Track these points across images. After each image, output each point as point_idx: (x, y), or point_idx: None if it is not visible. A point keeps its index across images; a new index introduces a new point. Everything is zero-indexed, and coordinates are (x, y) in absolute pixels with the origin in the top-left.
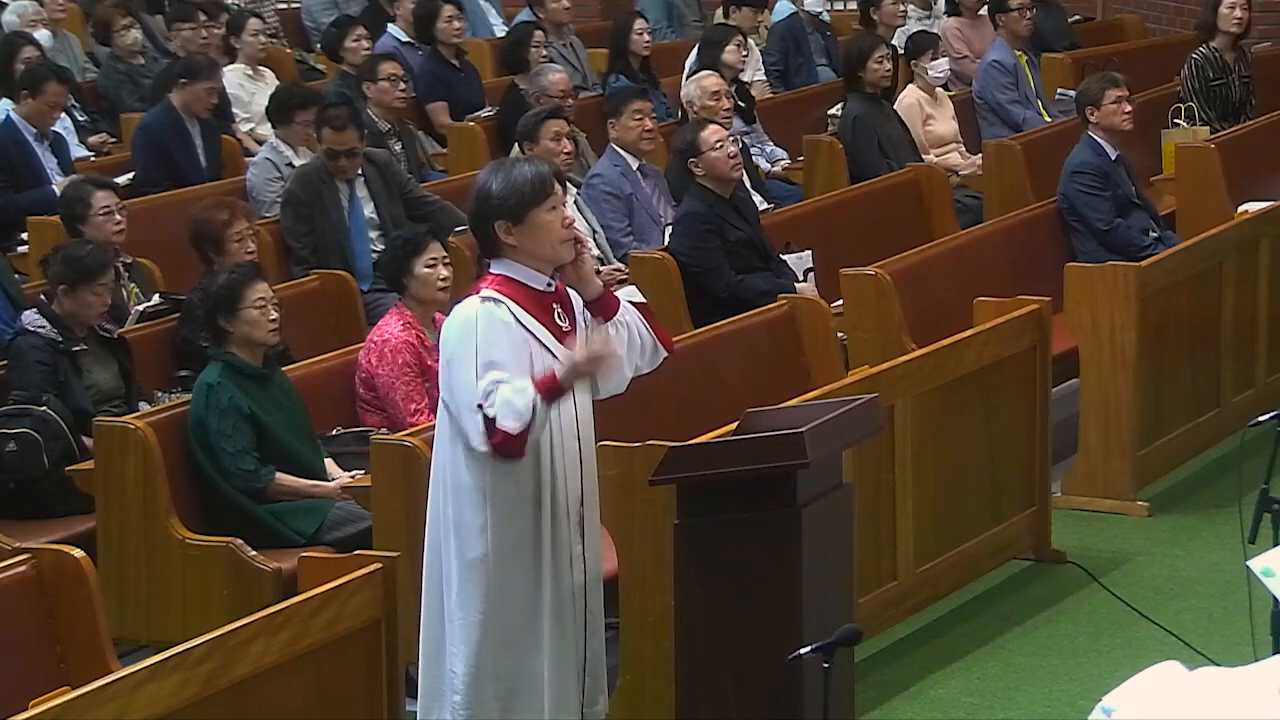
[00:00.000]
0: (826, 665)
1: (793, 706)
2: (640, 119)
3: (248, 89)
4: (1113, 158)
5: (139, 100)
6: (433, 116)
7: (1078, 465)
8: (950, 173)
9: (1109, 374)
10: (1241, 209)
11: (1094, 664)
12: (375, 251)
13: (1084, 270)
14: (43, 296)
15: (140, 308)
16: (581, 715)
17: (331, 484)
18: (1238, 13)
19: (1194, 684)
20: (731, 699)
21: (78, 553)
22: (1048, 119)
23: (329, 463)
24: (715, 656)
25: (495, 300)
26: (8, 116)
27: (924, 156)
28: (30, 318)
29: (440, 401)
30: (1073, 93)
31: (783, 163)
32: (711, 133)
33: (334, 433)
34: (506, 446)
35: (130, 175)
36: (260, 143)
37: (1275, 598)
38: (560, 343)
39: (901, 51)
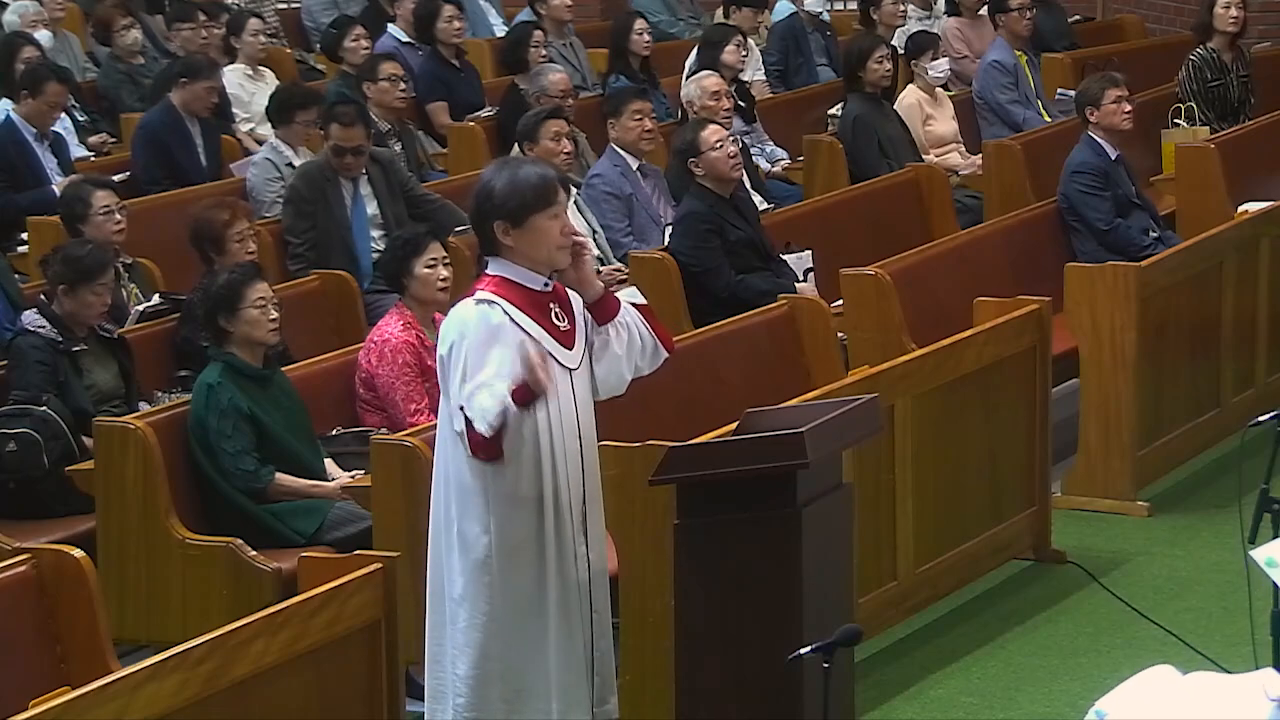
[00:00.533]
0: (826, 665)
1: (793, 706)
2: (640, 119)
3: (248, 89)
4: (1113, 158)
5: (139, 100)
6: (433, 116)
7: (1078, 465)
8: (950, 173)
9: (1109, 374)
10: (1241, 209)
11: (1094, 664)
12: (377, 251)
13: (1084, 270)
14: (43, 296)
15: (140, 308)
16: (592, 715)
17: (331, 484)
18: (1233, 12)
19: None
20: (731, 699)
21: (78, 553)
22: (1048, 119)
23: (329, 463)
24: (715, 656)
25: (490, 302)
26: (8, 116)
27: (924, 156)
28: (30, 318)
29: (442, 400)
30: (1073, 93)
31: (783, 163)
32: (711, 133)
33: (334, 433)
34: (481, 449)
35: (125, 174)
36: (260, 143)
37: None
38: (559, 342)
39: (901, 51)
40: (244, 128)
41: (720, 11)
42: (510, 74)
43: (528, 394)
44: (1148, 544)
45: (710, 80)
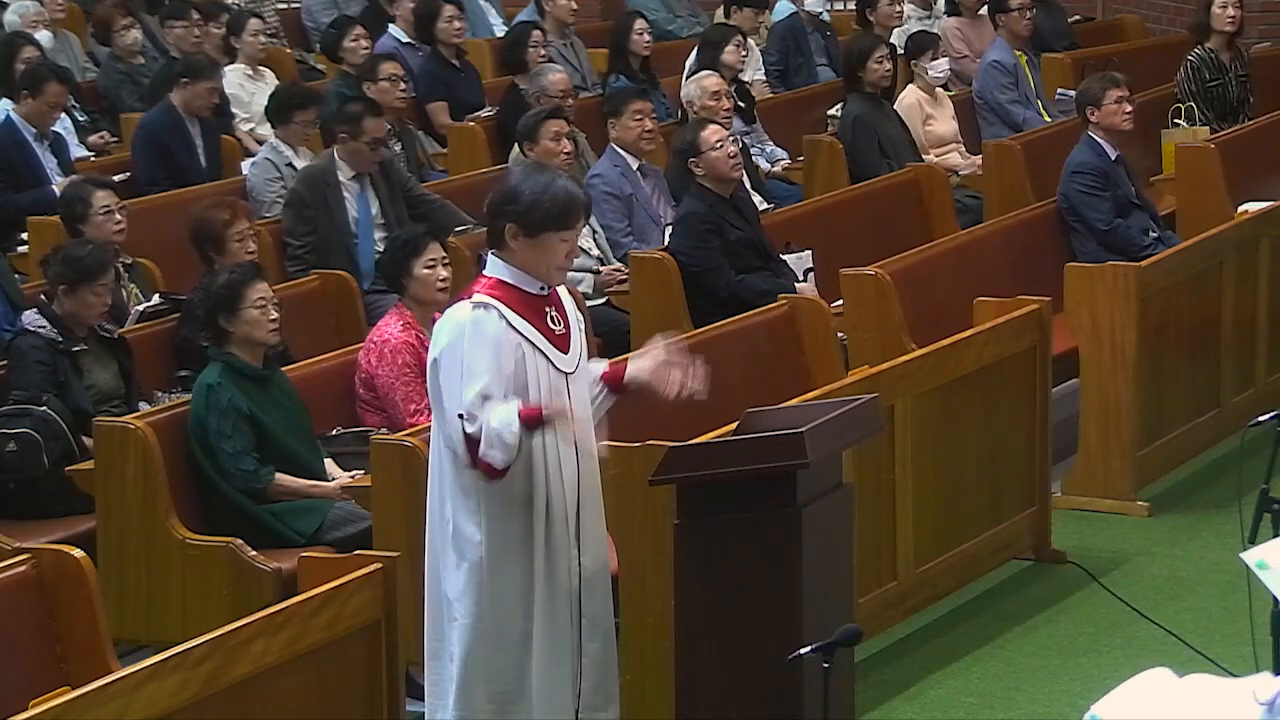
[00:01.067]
0: (826, 665)
1: (793, 706)
2: (640, 119)
3: (248, 89)
4: (1113, 158)
5: (139, 100)
6: (433, 116)
7: (1078, 465)
8: (950, 173)
9: (1109, 374)
10: (1241, 209)
11: (1094, 664)
12: (379, 251)
13: (1084, 270)
14: (43, 296)
15: (140, 308)
16: (577, 716)
17: (331, 484)
18: (1230, 12)
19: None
20: (731, 699)
21: (78, 553)
22: (1048, 119)
23: (329, 463)
24: (715, 656)
25: (486, 306)
26: (8, 116)
27: (924, 156)
28: (30, 318)
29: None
30: (1073, 93)
31: (783, 163)
32: (711, 133)
33: (334, 433)
34: (489, 474)
35: (126, 174)
36: (260, 143)
37: (1275, 597)
38: (554, 346)
39: (901, 51)
40: (244, 128)
41: (720, 11)
42: (510, 74)
43: (537, 422)
44: (1148, 544)
45: (710, 80)
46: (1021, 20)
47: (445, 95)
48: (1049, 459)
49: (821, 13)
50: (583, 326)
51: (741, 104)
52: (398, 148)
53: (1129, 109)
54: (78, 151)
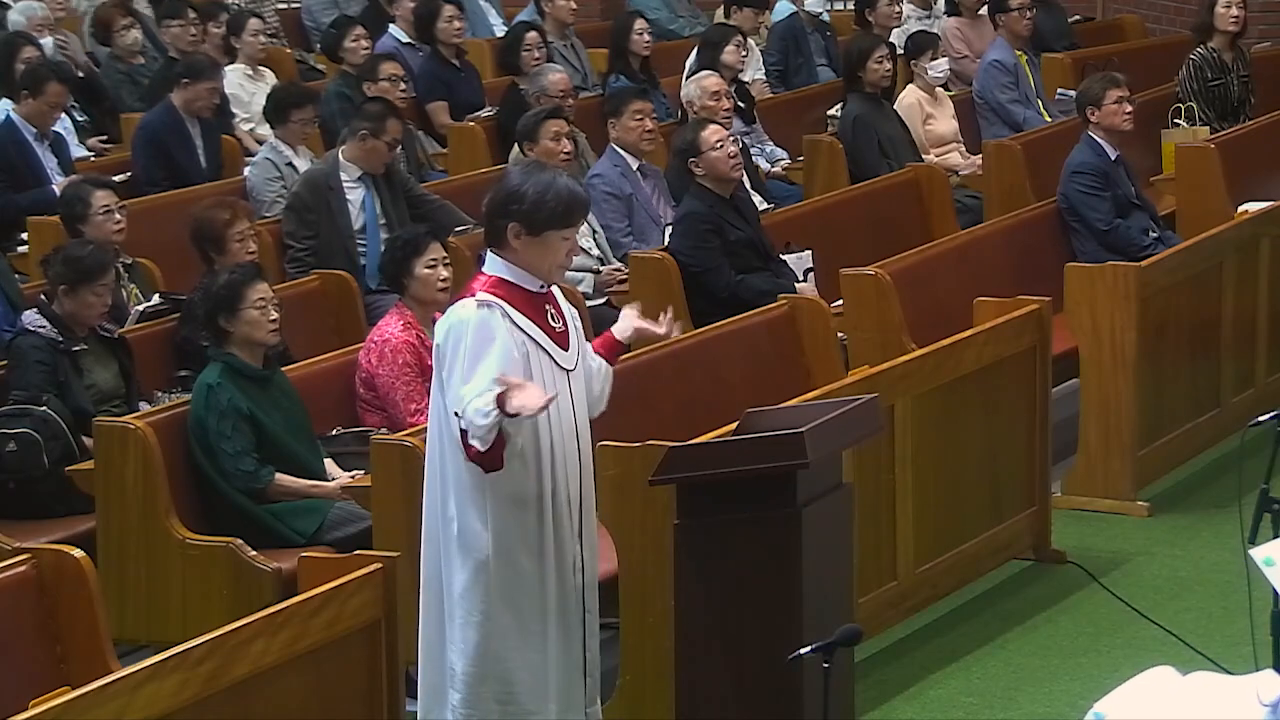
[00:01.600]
0: (826, 665)
1: (793, 706)
2: (640, 119)
3: (248, 89)
4: (1113, 158)
5: (139, 100)
6: (433, 116)
7: (1078, 465)
8: (950, 173)
9: (1109, 374)
10: (1241, 209)
11: (1094, 664)
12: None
13: (1084, 270)
14: (43, 296)
15: (140, 308)
16: (585, 715)
17: (331, 484)
18: (1234, 12)
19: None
20: (731, 699)
21: (78, 553)
22: (1048, 119)
23: (329, 463)
24: (715, 656)
25: (490, 304)
26: (8, 116)
27: (924, 156)
28: (30, 318)
29: (437, 401)
30: (1073, 93)
31: (783, 163)
32: (711, 133)
33: (334, 433)
34: (480, 461)
35: (127, 174)
36: (260, 143)
37: (1276, 596)
38: (555, 343)
39: (901, 51)
40: (244, 127)
41: (720, 11)
42: (510, 74)
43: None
44: (1148, 544)
45: (710, 80)
46: (1021, 20)
47: (445, 95)
48: (1049, 459)
49: (821, 13)
50: (578, 324)
51: (741, 104)
52: (398, 148)
53: (1129, 109)
54: (78, 151)
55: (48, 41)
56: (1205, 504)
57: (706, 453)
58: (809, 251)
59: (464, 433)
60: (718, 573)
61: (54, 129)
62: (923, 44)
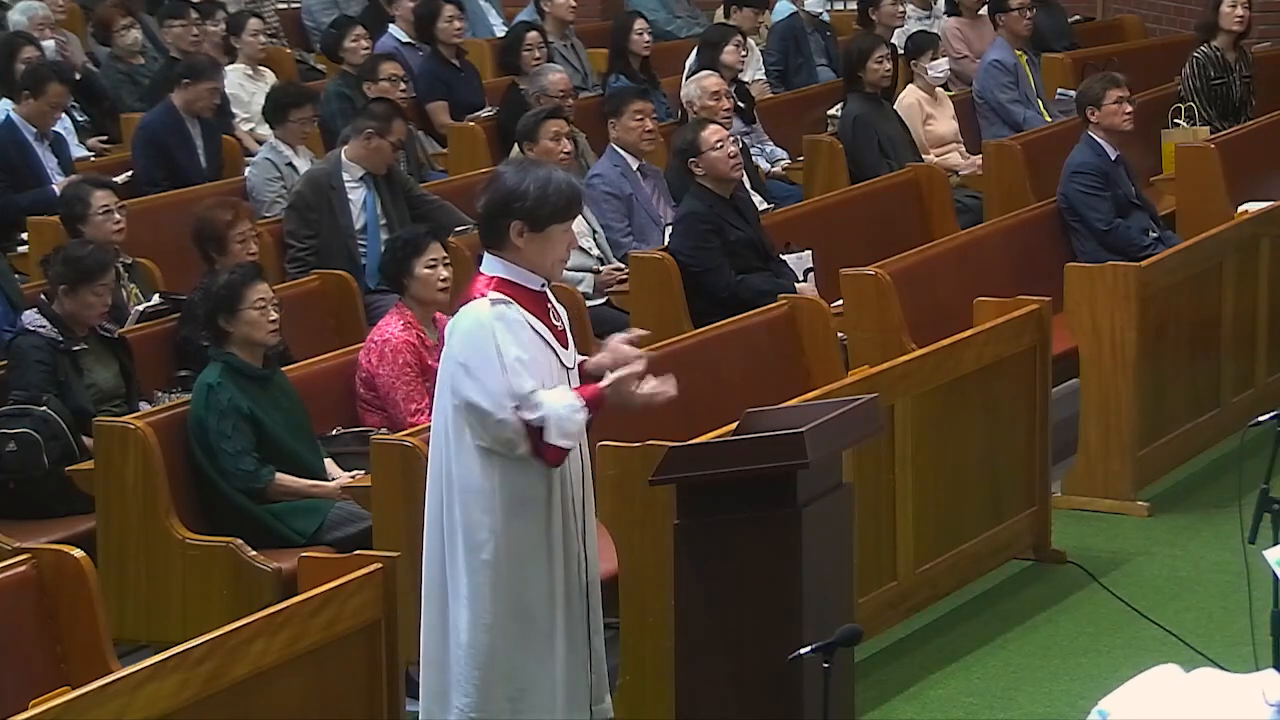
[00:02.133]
0: (826, 665)
1: (793, 706)
2: (641, 119)
3: (248, 89)
4: (1113, 158)
5: (139, 100)
6: (433, 116)
7: (1078, 465)
8: (950, 173)
9: (1109, 374)
10: (1241, 209)
11: (1094, 664)
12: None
13: (1084, 270)
14: (43, 296)
15: (140, 308)
16: (590, 713)
17: (331, 484)
18: (1239, 11)
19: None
20: (731, 699)
21: (78, 553)
22: (1048, 119)
23: (329, 463)
24: (715, 656)
25: (505, 302)
26: (8, 116)
27: (924, 156)
28: (30, 317)
29: (444, 404)
30: (1073, 93)
31: (783, 163)
32: (711, 133)
33: (334, 433)
34: (556, 458)
35: (128, 174)
36: (260, 143)
37: (1276, 596)
38: (558, 341)
39: (901, 51)
40: (244, 127)
41: (720, 11)
42: (510, 74)
43: (600, 403)
44: (1148, 544)
45: (710, 80)
46: (1021, 20)
47: (445, 95)
48: (1049, 459)
49: (821, 13)
50: (569, 323)
51: (741, 104)
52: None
53: (1129, 109)
54: (78, 151)
55: (49, 45)
56: (1205, 504)
57: (706, 453)
58: (809, 251)
59: (530, 427)
60: (718, 573)
61: (54, 129)
62: (923, 44)
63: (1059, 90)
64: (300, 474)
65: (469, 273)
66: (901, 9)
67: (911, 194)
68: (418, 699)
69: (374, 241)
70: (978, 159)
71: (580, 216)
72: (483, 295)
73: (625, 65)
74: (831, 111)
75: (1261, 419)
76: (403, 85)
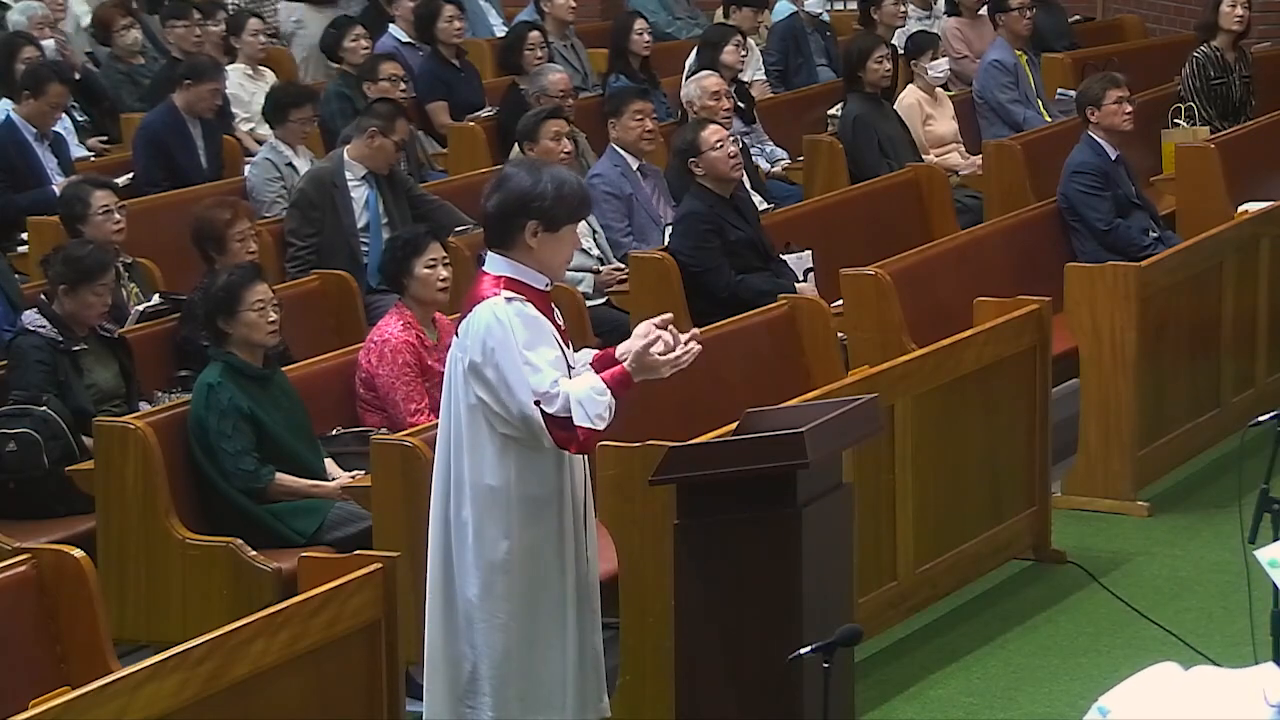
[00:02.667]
0: (826, 665)
1: (793, 706)
2: (641, 119)
3: (248, 89)
4: (1113, 158)
5: (139, 100)
6: (433, 116)
7: (1078, 465)
8: (950, 173)
9: (1109, 374)
10: (1241, 209)
11: (1094, 664)
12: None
13: (1084, 270)
14: (43, 296)
15: (140, 308)
16: (600, 710)
17: (331, 484)
18: (1239, 11)
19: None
20: (731, 699)
21: (78, 553)
22: (1048, 119)
23: (329, 463)
24: (715, 656)
25: (520, 299)
26: (8, 116)
27: (924, 156)
28: (30, 317)
29: (454, 404)
30: (1073, 93)
31: (783, 163)
32: (711, 133)
33: (334, 433)
34: (589, 442)
35: (129, 176)
36: (260, 143)
37: (1276, 595)
38: (563, 339)
39: (901, 51)
40: (244, 128)
41: (720, 11)
42: (510, 74)
43: (627, 383)
44: (1148, 544)
45: (710, 80)
46: (1021, 20)
47: (445, 95)
48: (1049, 459)
49: (821, 13)
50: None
51: (741, 104)
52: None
53: (1129, 109)
54: (78, 151)
55: (49, 44)
56: (1205, 504)
57: (706, 453)
58: (809, 251)
59: (553, 419)
60: (718, 573)
61: (54, 129)
62: (923, 44)
63: (1059, 90)
64: (300, 474)
65: (469, 273)
66: (903, 9)
67: (911, 194)
68: (418, 699)
69: (376, 240)
70: (978, 159)
71: None
72: (494, 293)
73: (625, 65)
74: (831, 111)
75: (1261, 419)
76: (403, 85)
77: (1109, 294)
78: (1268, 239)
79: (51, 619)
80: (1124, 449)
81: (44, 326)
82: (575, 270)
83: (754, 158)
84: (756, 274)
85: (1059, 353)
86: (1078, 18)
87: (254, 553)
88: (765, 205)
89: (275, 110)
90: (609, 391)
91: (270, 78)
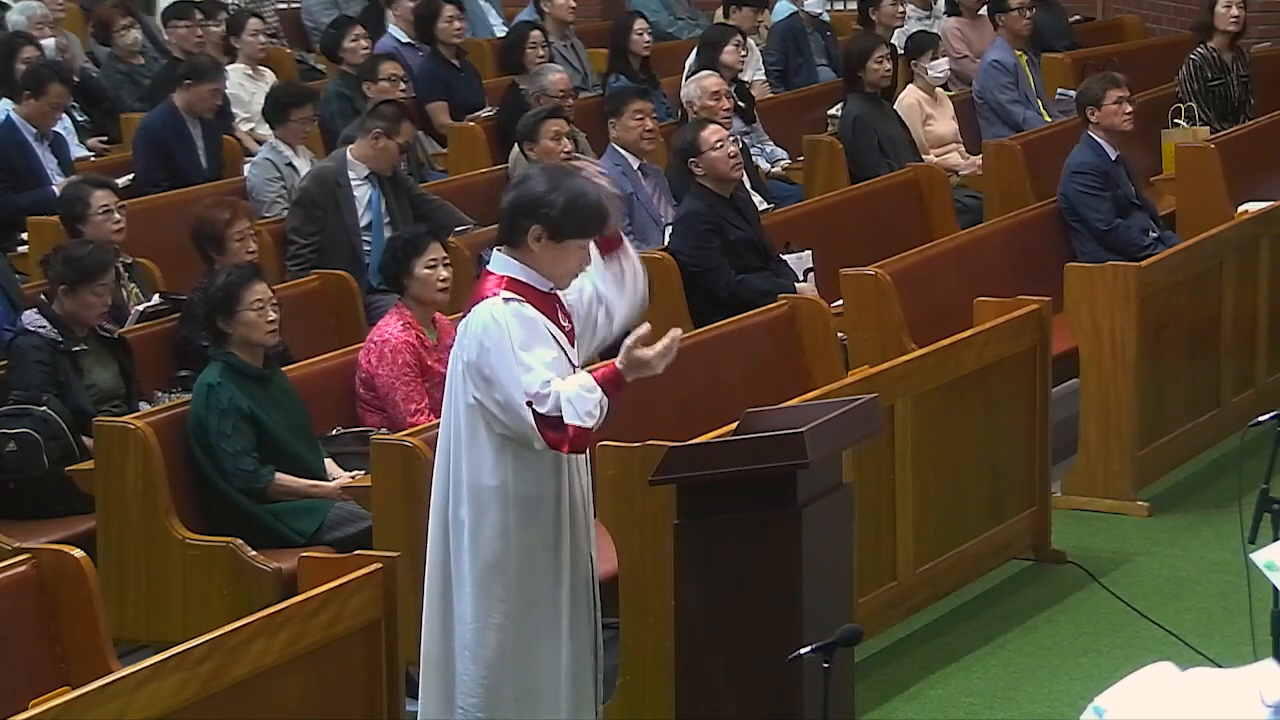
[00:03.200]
0: (826, 665)
1: (793, 706)
2: (641, 119)
3: (248, 89)
4: (1113, 158)
5: (139, 100)
6: (433, 116)
7: (1078, 465)
8: (950, 173)
9: (1109, 374)
10: (1241, 209)
11: (1094, 664)
12: None
13: (1084, 270)
14: (43, 296)
15: (140, 308)
16: (596, 712)
17: (331, 484)
18: (1234, 11)
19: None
20: (731, 699)
21: (78, 553)
22: (1048, 119)
23: (329, 463)
24: (715, 657)
25: (518, 300)
26: (8, 117)
27: (924, 156)
28: (30, 318)
29: (454, 404)
30: (1073, 93)
31: (783, 163)
32: (711, 133)
33: (334, 433)
34: (580, 440)
35: (130, 176)
36: (260, 143)
37: (1276, 595)
38: (567, 339)
39: (901, 51)
40: (244, 127)
41: (720, 11)
42: (510, 74)
43: (619, 381)
44: (1148, 544)
45: (710, 80)
46: (1021, 20)
47: (445, 95)
48: (1049, 459)
49: (821, 13)
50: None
51: (741, 104)
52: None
53: (1129, 109)
54: (78, 151)
55: (49, 44)
56: (1205, 504)
57: (706, 453)
58: (809, 251)
59: (544, 419)
60: (718, 573)
61: (54, 129)
62: (923, 44)
63: (1059, 90)
64: (300, 474)
65: (469, 273)
66: (901, 9)
67: (911, 194)
68: (418, 699)
69: (378, 240)
70: (978, 159)
71: None
72: (494, 294)
73: (625, 65)
74: (831, 111)
75: (1261, 419)
76: (403, 85)
77: (1109, 294)
78: (1268, 239)
79: (51, 619)
80: (1124, 449)
81: (44, 326)
82: None
83: (754, 158)
84: (756, 274)
85: (1059, 353)
86: (1078, 18)
87: (254, 553)
88: (765, 205)
89: (275, 110)
90: (599, 389)
91: (270, 78)
